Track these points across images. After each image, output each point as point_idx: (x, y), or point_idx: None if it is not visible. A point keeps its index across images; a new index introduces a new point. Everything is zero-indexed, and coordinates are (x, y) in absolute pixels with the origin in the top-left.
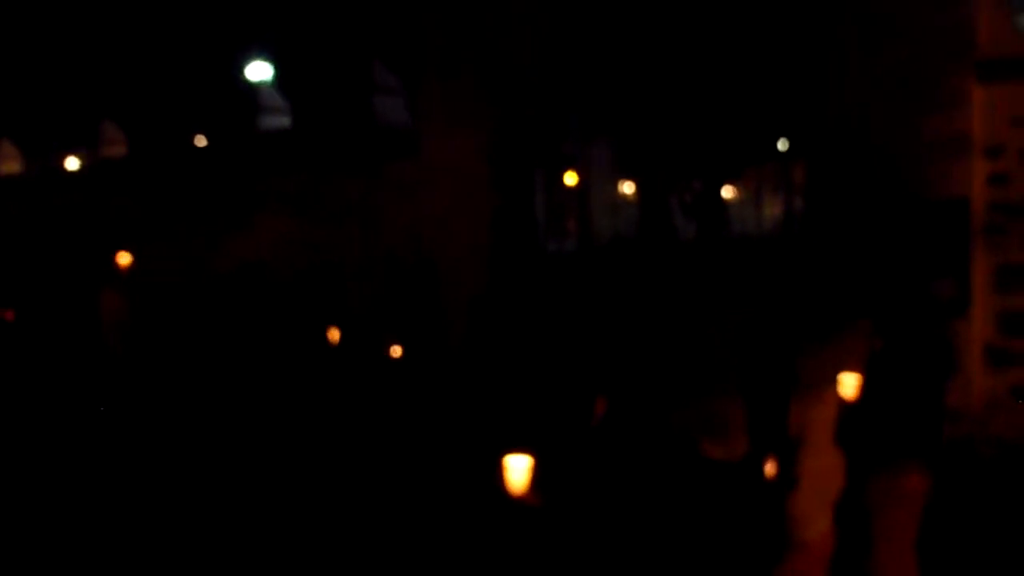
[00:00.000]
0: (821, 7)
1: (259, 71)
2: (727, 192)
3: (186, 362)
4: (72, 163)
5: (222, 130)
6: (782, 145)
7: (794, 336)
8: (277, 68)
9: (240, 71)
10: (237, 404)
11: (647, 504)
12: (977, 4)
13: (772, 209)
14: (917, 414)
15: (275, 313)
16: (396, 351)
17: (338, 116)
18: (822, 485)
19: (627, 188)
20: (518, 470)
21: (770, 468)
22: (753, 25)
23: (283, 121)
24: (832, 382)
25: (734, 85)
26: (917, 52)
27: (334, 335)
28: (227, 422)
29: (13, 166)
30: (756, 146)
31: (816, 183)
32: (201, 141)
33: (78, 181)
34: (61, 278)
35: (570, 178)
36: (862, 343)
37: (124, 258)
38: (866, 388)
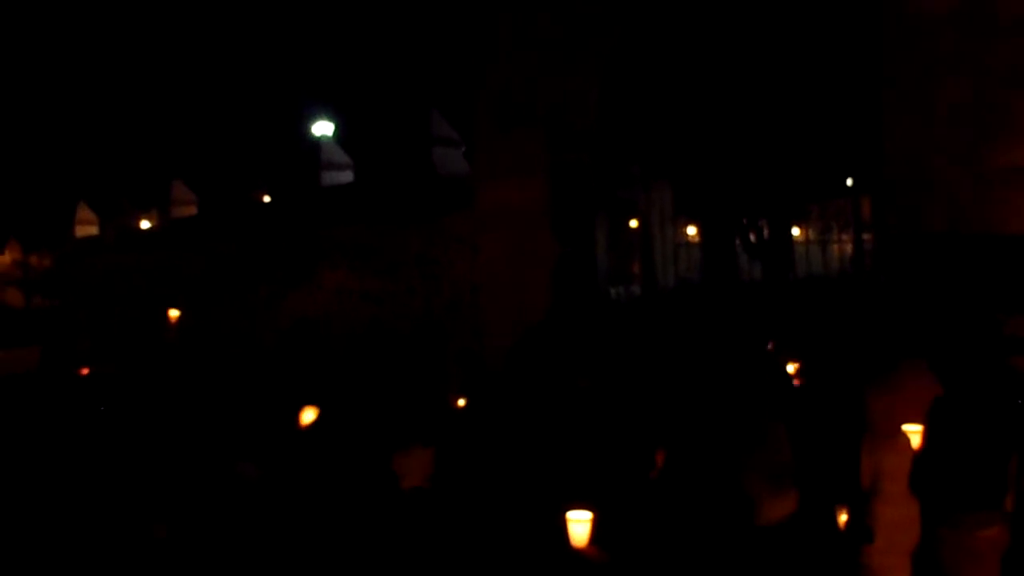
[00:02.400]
0: (882, 42)
1: (322, 127)
2: (792, 231)
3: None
4: (145, 224)
5: (286, 186)
6: (849, 182)
7: (864, 380)
8: (339, 124)
9: (304, 128)
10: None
11: (710, 558)
12: None
13: (839, 247)
14: (990, 462)
15: (335, 370)
16: (460, 402)
17: (398, 169)
18: (900, 536)
19: (690, 231)
20: (580, 524)
21: (842, 519)
22: (815, 62)
23: (345, 176)
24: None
25: (797, 122)
26: (979, 84)
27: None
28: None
29: (91, 229)
30: (822, 183)
31: (884, 219)
32: (266, 198)
33: (151, 241)
34: (136, 334)
35: (632, 223)
36: (928, 388)
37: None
38: (932, 436)
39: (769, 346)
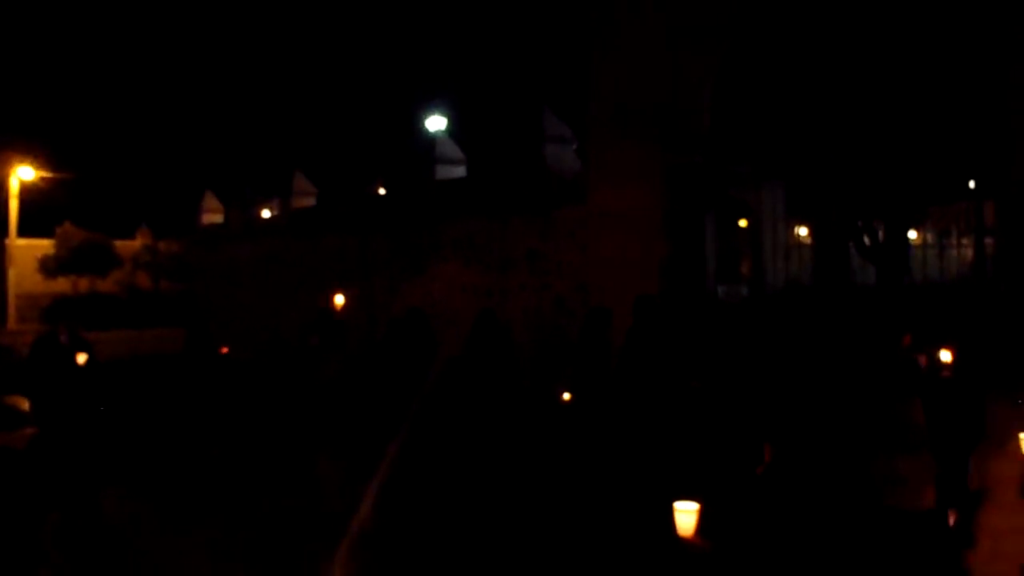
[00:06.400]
0: (1009, 43)
1: (436, 123)
2: (909, 234)
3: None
4: (266, 213)
5: (401, 180)
6: (972, 184)
7: (984, 388)
8: (453, 120)
9: (419, 124)
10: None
11: (815, 551)
12: None
13: (958, 252)
14: None
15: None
16: (566, 396)
17: (510, 165)
18: (1007, 544)
19: (802, 231)
20: (686, 515)
21: (952, 522)
22: (939, 61)
23: (459, 171)
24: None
25: (918, 121)
26: None
27: None
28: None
29: (216, 217)
30: (942, 185)
31: (1009, 224)
32: (382, 190)
33: (272, 229)
34: (268, 318)
35: (742, 223)
36: None
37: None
38: None
39: (906, 340)
